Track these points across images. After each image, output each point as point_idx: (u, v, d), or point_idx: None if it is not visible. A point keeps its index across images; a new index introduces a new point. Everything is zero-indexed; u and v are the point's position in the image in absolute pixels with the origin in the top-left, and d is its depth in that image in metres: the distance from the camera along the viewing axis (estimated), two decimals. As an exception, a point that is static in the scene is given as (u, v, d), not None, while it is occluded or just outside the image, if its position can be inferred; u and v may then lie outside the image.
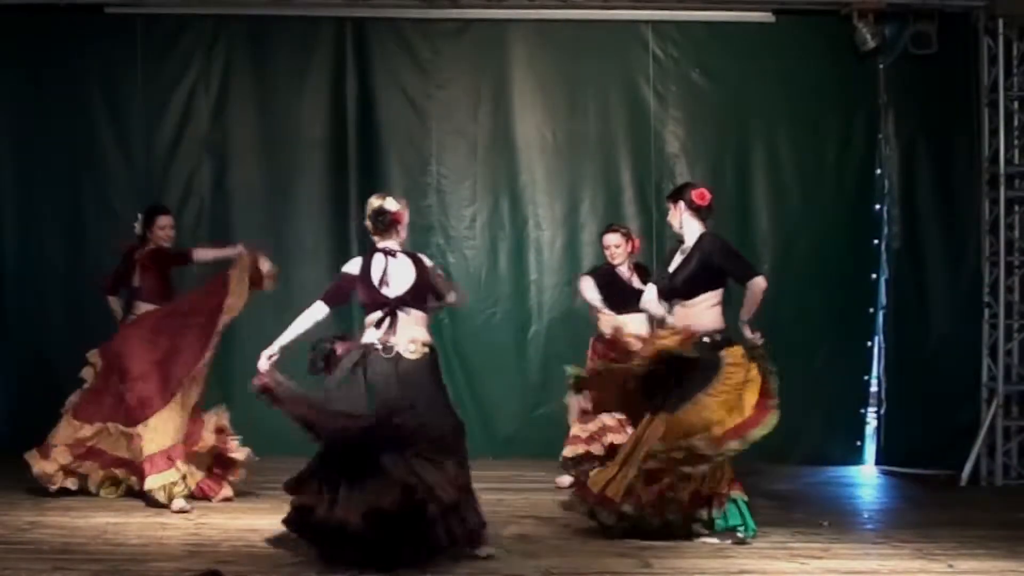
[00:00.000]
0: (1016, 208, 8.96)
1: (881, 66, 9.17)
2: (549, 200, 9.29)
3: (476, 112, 9.32)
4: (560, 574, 5.74)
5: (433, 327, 8.96)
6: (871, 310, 9.24)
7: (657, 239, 8.99)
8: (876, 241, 9.26)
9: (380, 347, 5.97)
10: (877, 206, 9.27)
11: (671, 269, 6.72)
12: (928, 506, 7.89)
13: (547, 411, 8.77)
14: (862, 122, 9.27)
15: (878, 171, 9.25)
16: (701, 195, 6.70)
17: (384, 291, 6.02)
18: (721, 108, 9.28)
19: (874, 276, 9.25)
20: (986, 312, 8.91)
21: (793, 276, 9.14)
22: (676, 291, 6.66)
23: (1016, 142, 8.92)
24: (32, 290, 9.12)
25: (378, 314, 6.01)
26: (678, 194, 6.77)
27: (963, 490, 8.57)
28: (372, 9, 9.26)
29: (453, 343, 9.18)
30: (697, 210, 6.69)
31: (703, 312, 6.54)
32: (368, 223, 6.17)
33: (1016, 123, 8.91)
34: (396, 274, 6.06)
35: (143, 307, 7.53)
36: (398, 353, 5.97)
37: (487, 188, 9.29)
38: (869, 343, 9.25)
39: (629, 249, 8.10)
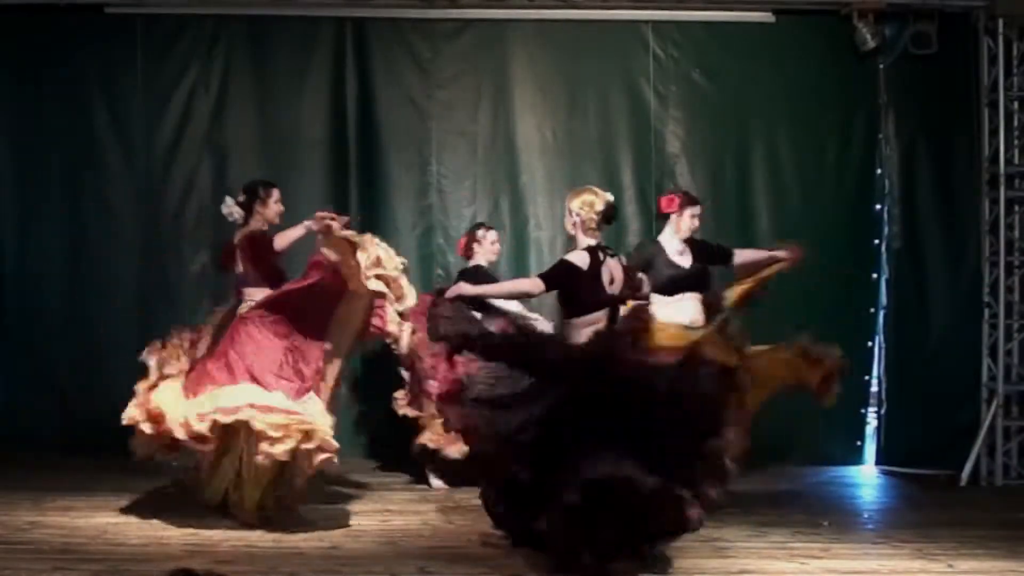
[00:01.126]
0: (1016, 208, 8.95)
1: (881, 66, 9.16)
2: (549, 200, 9.27)
3: (476, 112, 9.31)
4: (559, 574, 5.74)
5: (433, 327, 9.02)
6: (871, 310, 9.24)
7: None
8: (876, 241, 9.26)
9: None
10: (877, 206, 9.27)
11: None
12: (928, 506, 7.89)
13: None
14: (862, 122, 9.27)
15: (878, 171, 9.25)
16: (662, 202, 7.49)
17: (609, 290, 6.06)
18: (721, 108, 9.27)
19: (874, 276, 9.26)
20: (986, 312, 8.90)
21: (793, 276, 9.13)
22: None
23: (1016, 142, 8.92)
24: (32, 290, 9.11)
25: (599, 313, 6.01)
26: None
27: (963, 490, 8.56)
28: (372, 9, 9.26)
29: (453, 343, 9.19)
30: (666, 217, 7.27)
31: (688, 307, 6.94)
32: (589, 218, 6.14)
33: (1016, 123, 8.91)
34: (616, 272, 6.12)
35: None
36: None
37: (487, 188, 9.28)
38: (869, 343, 9.25)
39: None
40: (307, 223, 6.97)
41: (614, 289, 6.07)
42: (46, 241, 9.12)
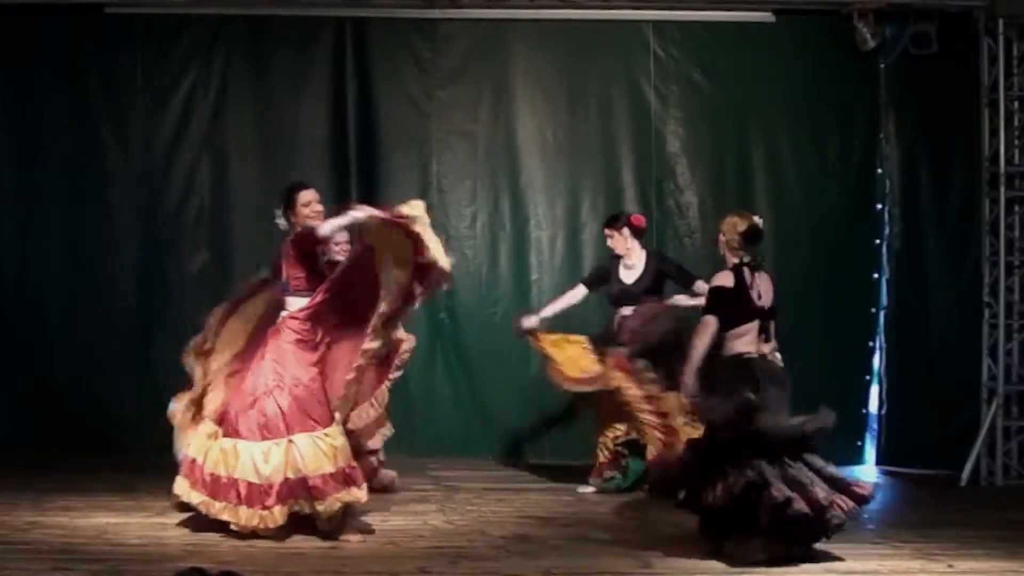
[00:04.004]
0: (1016, 208, 8.96)
1: (881, 66, 9.17)
2: (549, 200, 9.28)
3: (476, 112, 9.31)
4: (560, 574, 5.74)
5: (433, 326, 9.05)
6: (871, 310, 9.24)
7: (659, 240, 8.98)
8: (876, 241, 9.26)
9: (756, 356, 6.28)
10: (877, 206, 9.27)
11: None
12: (928, 506, 7.90)
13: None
14: (862, 122, 9.27)
15: (878, 171, 9.25)
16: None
17: (759, 303, 6.29)
18: (721, 108, 9.27)
19: (874, 276, 9.26)
20: (986, 312, 8.90)
21: (793, 276, 9.13)
22: None
23: (1016, 142, 8.92)
24: (32, 290, 9.11)
25: (749, 324, 6.26)
26: None
27: (963, 490, 8.57)
28: (372, 9, 9.26)
29: (454, 342, 9.20)
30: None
31: None
32: (732, 239, 6.36)
33: (1016, 123, 8.92)
34: (765, 287, 6.36)
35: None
36: (770, 361, 6.31)
37: (487, 188, 9.28)
38: (869, 343, 9.25)
39: None
40: (353, 213, 6.49)
41: (764, 302, 6.34)
42: (46, 241, 9.12)
